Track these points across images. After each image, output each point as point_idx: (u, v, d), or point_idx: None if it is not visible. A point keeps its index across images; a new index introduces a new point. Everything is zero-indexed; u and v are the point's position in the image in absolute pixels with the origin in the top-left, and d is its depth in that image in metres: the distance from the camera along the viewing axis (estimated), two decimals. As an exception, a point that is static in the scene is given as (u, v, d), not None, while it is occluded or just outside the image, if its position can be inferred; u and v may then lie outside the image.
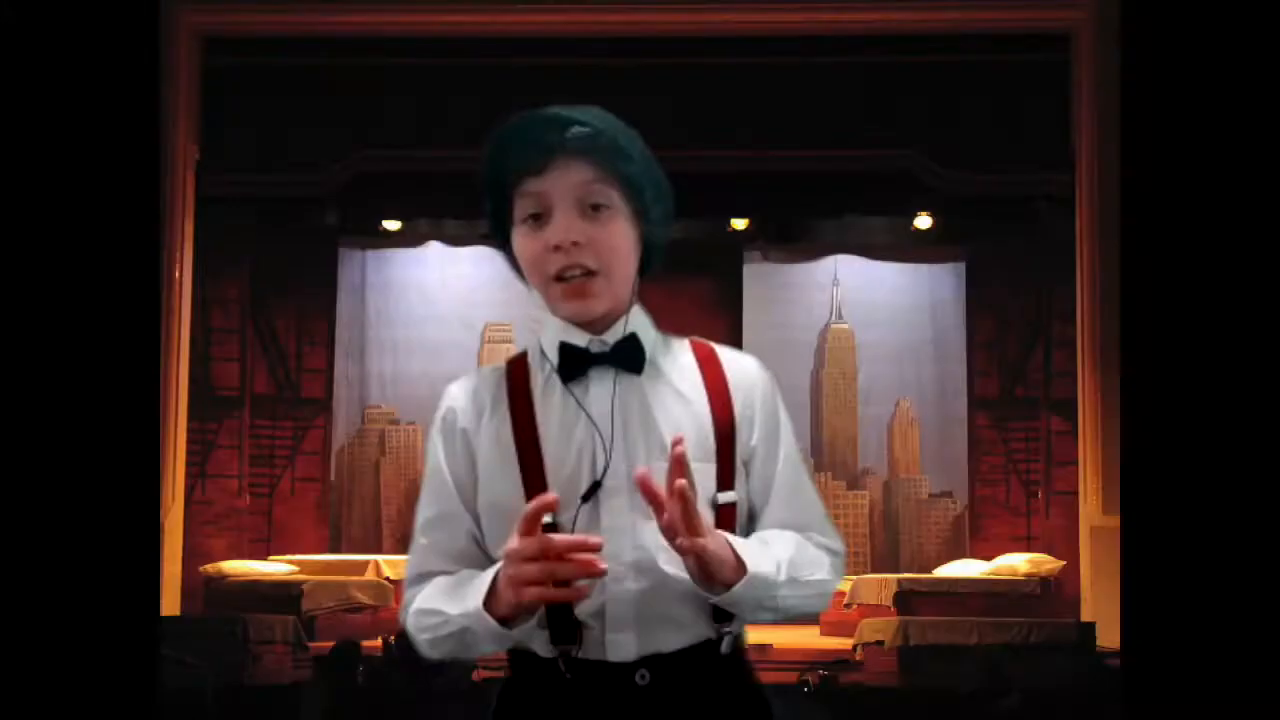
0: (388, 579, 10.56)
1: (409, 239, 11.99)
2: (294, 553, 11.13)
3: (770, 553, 1.73)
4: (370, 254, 12.07)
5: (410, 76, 9.85)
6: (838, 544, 1.86)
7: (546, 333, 1.83)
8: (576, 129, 1.72)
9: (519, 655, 1.76)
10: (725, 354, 1.85)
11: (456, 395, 1.83)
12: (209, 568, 10.35)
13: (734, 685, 1.77)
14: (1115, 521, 8.35)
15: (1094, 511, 9.39)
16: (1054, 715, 7.27)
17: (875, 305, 11.96)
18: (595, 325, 1.79)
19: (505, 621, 1.66)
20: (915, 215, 11.25)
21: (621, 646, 1.70)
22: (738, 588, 1.68)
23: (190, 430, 10.10)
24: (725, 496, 1.76)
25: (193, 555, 10.19)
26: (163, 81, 9.05)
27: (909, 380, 11.92)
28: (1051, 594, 10.15)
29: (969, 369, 11.75)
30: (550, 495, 1.63)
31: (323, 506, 11.81)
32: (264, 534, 11.48)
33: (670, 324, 1.92)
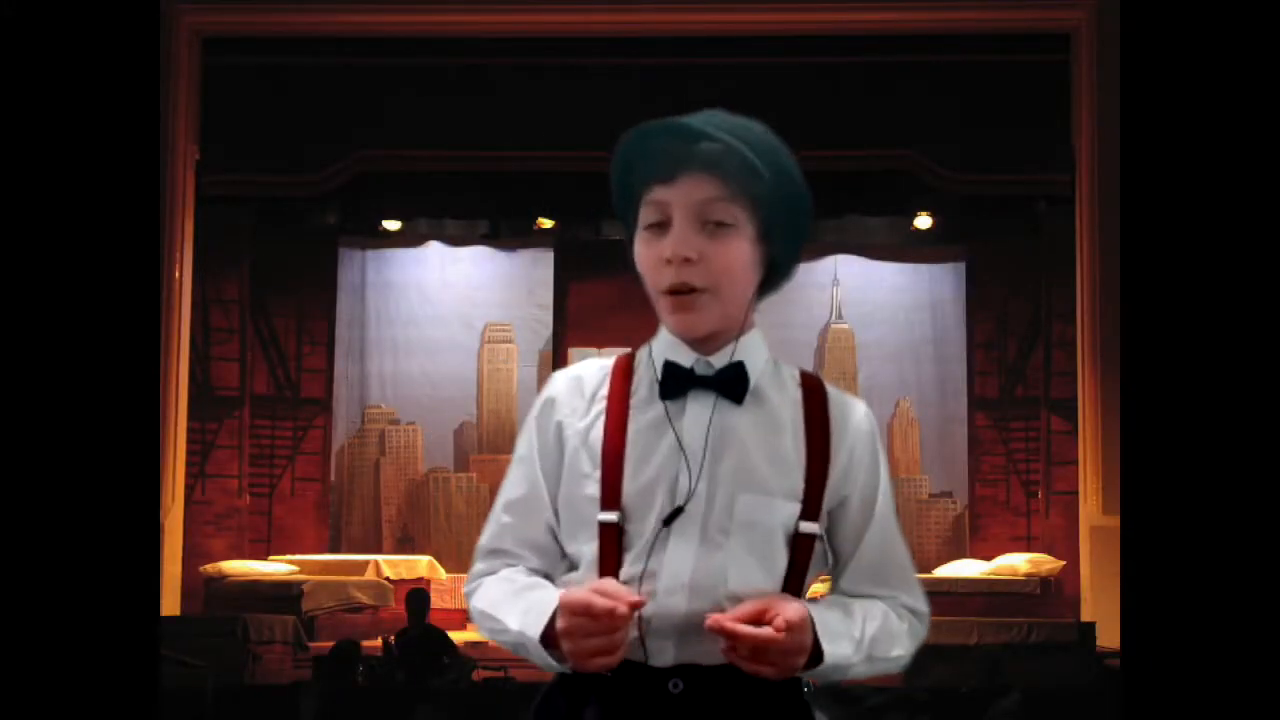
0: (388, 579, 10.57)
1: (409, 239, 11.99)
2: (294, 553, 11.13)
3: (851, 632, 1.74)
4: (370, 254, 12.07)
5: (410, 76, 9.85)
6: (922, 605, 1.84)
7: (657, 343, 1.81)
8: (707, 144, 1.69)
9: None
10: (834, 396, 1.82)
11: (559, 386, 1.83)
12: (209, 568, 10.35)
13: (773, 706, 1.76)
14: (1115, 521, 8.35)
15: (1094, 511, 9.39)
16: (1054, 715, 7.27)
17: (875, 305, 11.96)
18: (705, 345, 1.78)
19: (558, 653, 1.70)
20: (915, 215, 11.25)
21: (659, 653, 1.70)
22: (810, 671, 1.72)
23: (190, 430, 10.11)
24: (806, 526, 1.74)
25: (193, 555, 10.19)
26: (163, 81, 9.05)
27: (909, 380, 11.92)
28: (1051, 594, 10.15)
29: (969, 369, 11.75)
30: (632, 600, 1.65)
31: (323, 506, 11.81)
32: (264, 534, 11.48)
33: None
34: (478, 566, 1.85)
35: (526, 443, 1.82)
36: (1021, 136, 9.69)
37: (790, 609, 1.66)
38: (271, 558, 11.03)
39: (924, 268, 11.96)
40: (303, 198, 10.45)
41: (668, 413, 1.74)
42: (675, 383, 1.75)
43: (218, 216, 10.19)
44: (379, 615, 10.13)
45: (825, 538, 1.80)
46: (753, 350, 1.79)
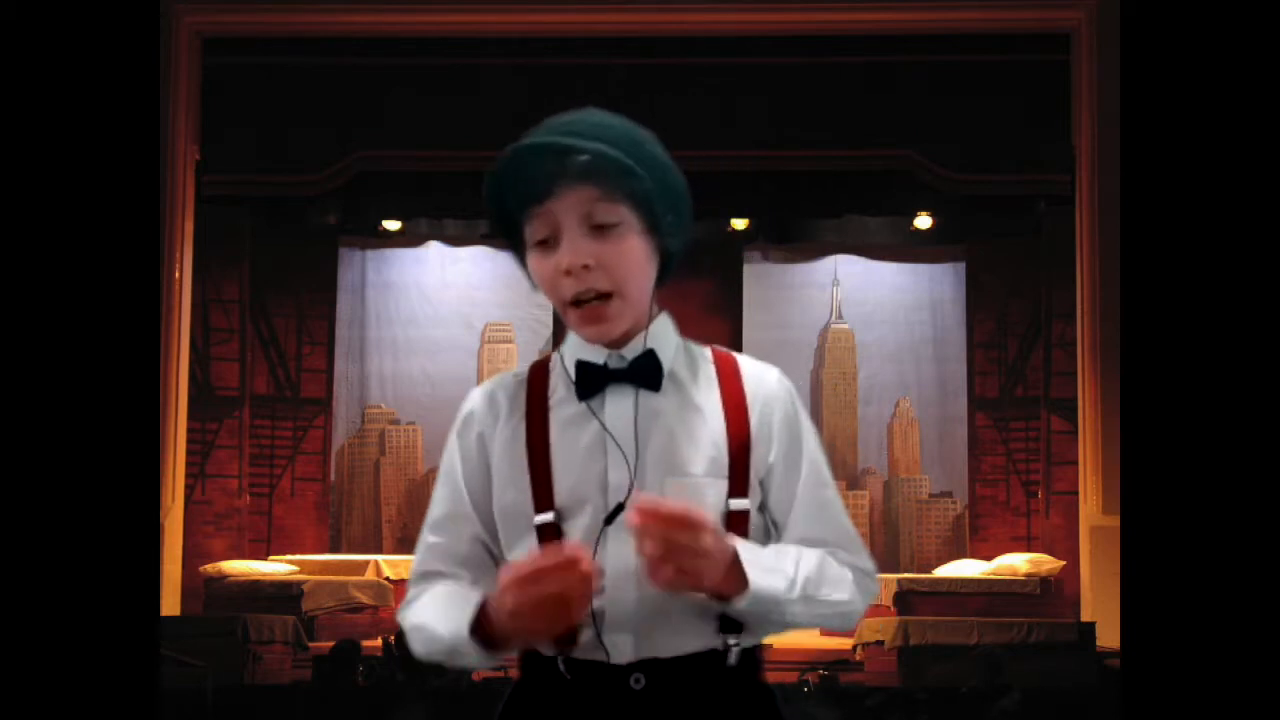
0: (388, 579, 10.57)
1: (409, 239, 11.99)
2: (294, 553, 11.14)
3: (784, 567, 1.72)
4: (370, 254, 12.08)
5: (410, 76, 9.86)
6: (867, 563, 1.83)
7: (567, 346, 1.82)
8: (575, 158, 1.68)
9: (527, 655, 1.77)
10: (746, 366, 1.83)
11: (476, 399, 1.84)
12: (209, 568, 10.35)
13: (738, 698, 1.75)
14: (1115, 521, 8.35)
15: (1094, 511, 9.39)
16: (1054, 715, 7.27)
17: (875, 305, 11.97)
18: (615, 341, 1.79)
19: (493, 645, 1.69)
20: (915, 215, 11.26)
21: (618, 649, 1.70)
22: (739, 603, 1.69)
23: (190, 430, 10.11)
24: (737, 504, 1.75)
25: (193, 555, 10.19)
26: (163, 81, 9.05)
27: (909, 380, 11.93)
28: (1051, 594, 10.15)
29: (969, 369, 11.75)
30: (575, 555, 1.61)
31: (323, 506, 11.81)
32: (264, 534, 11.49)
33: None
34: (410, 592, 1.84)
35: (449, 460, 1.83)
36: (1021, 136, 9.69)
37: (710, 518, 1.65)
38: (271, 558, 11.03)
39: (924, 268, 11.96)
40: (303, 198, 10.46)
41: (591, 409, 1.75)
42: (591, 381, 1.76)
43: (218, 216, 10.19)
44: (379, 615, 10.12)
45: (766, 511, 1.80)
46: (662, 337, 1.80)
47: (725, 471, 1.75)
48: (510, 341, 11.90)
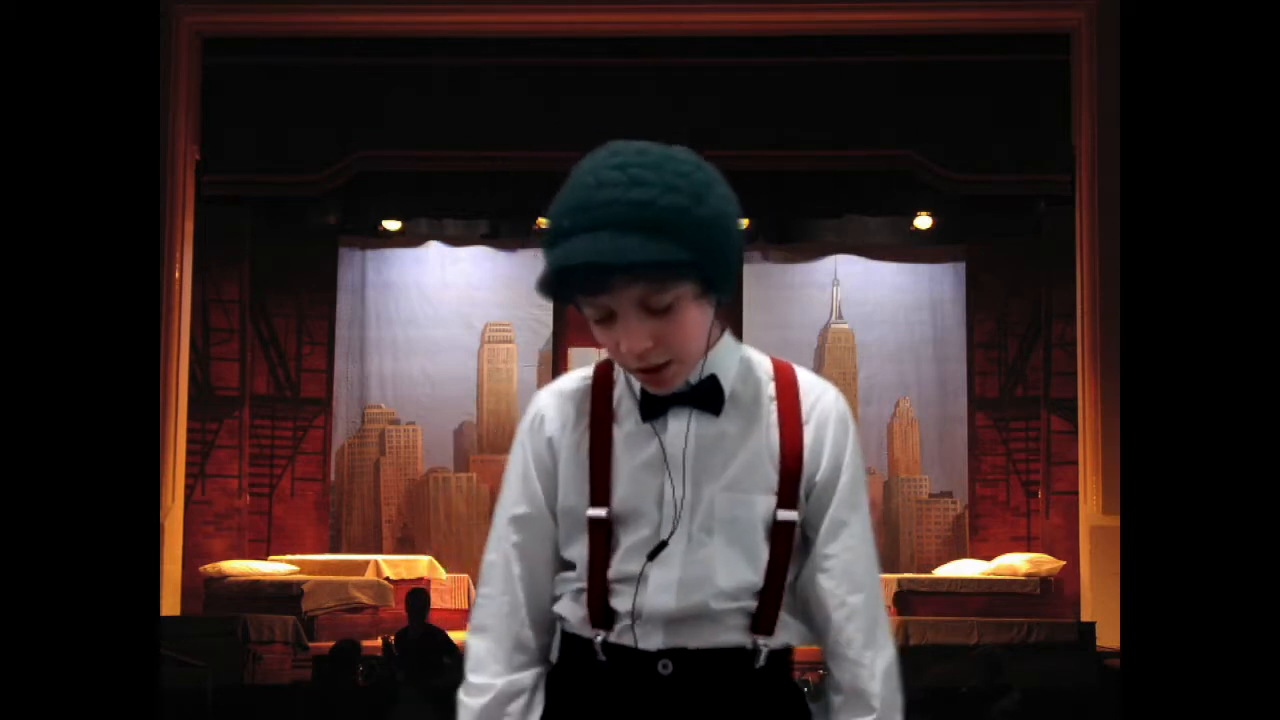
0: (388, 579, 10.57)
1: (409, 239, 11.99)
2: (294, 553, 11.14)
3: None
4: (370, 254, 12.07)
5: (410, 76, 9.86)
6: (878, 609, 1.87)
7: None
8: (620, 274, 1.71)
9: (568, 637, 1.84)
10: (804, 382, 1.89)
11: (546, 403, 1.90)
12: (209, 568, 10.35)
13: (766, 692, 1.82)
14: (1115, 521, 8.35)
15: (1094, 511, 9.39)
16: (1054, 715, 7.27)
17: (875, 305, 11.96)
18: None
19: None
20: (915, 215, 11.26)
21: (648, 637, 1.78)
22: None
23: (190, 430, 10.11)
24: (784, 514, 1.82)
25: (193, 555, 10.19)
26: (163, 81, 9.05)
27: (909, 380, 11.93)
28: (1051, 594, 10.16)
29: (969, 369, 11.75)
30: None
31: (323, 506, 11.81)
32: (264, 534, 11.48)
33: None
34: (481, 594, 1.87)
35: (522, 460, 1.88)
36: (1021, 136, 9.69)
37: None
38: (271, 558, 11.03)
39: (924, 268, 11.96)
40: (303, 198, 10.46)
41: (654, 429, 1.82)
42: (655, 405, 1.82)
43: (218, 216, 10.20)
44: (379, 615, 10.13)
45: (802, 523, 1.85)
46: (723, 360, 1.87)
47: (776, 487, 1.82)
48: (510, 341, 11.90)
